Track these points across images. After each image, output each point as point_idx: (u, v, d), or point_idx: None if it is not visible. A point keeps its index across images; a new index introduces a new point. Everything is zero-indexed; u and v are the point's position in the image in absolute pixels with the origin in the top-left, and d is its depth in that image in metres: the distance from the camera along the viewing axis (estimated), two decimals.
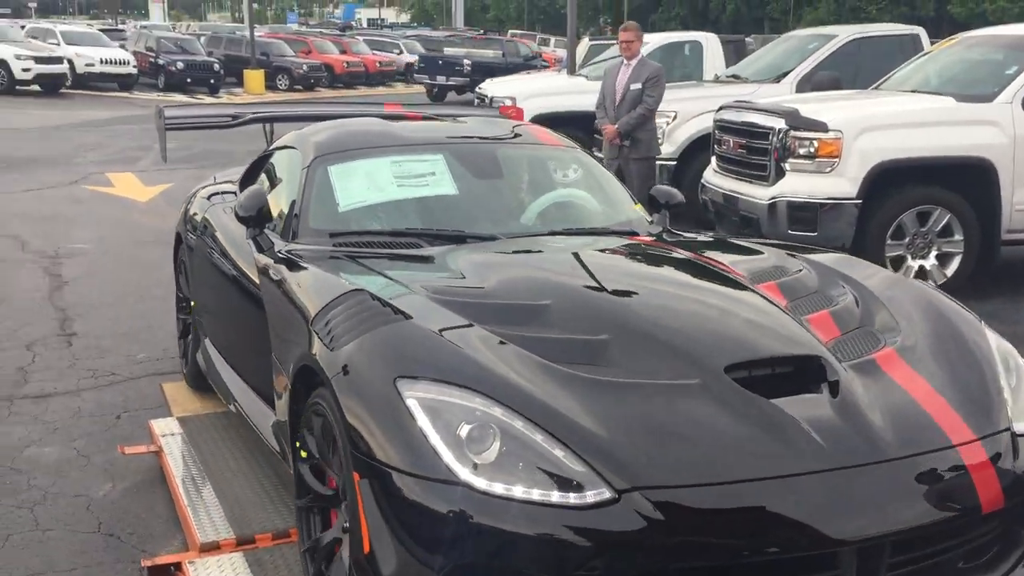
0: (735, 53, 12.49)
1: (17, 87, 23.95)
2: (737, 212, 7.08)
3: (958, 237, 6.55)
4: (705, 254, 3.48)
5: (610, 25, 42.42)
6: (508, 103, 11.41)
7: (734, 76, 10.16)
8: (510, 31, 53.41)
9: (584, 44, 15.31)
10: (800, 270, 3.30)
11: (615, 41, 11.37)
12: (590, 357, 2.55)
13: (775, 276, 3.24)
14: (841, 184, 6.42)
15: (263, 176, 4.44)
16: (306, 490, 2.77)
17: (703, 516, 2.21)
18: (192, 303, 4.65)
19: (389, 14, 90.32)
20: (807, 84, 9.20)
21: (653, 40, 12.17)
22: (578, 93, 11.18)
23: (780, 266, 3.35)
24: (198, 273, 4.49)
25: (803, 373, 2.58)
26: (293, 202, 3.79)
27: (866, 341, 2.82)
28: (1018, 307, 6.53)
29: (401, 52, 35.73)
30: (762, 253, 3.54)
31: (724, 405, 2.41)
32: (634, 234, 3.77)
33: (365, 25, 69.79)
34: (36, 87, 24.53)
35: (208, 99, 25.13)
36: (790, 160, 6.60)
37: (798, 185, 6.55)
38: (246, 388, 3.74)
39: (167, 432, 4.05)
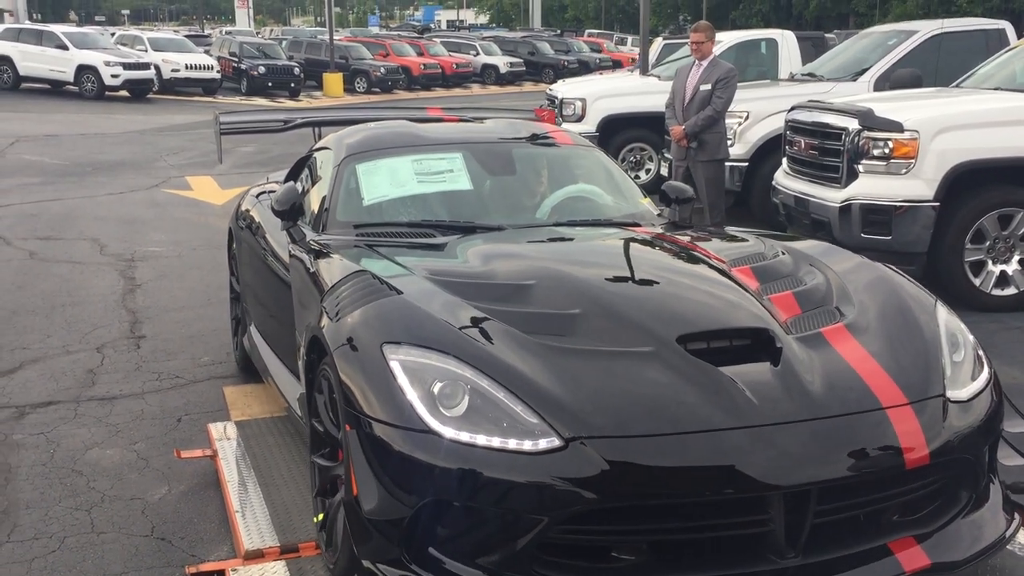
0: (814, 50, 12.16)
1: (106, 93, 24.76)
2: (808, 215, 6.87)
3: None
4: (694, 243, 3.79)
5: (689, 23, 41.89)
6: (579, 104, 11.36)
7: (810, 74, 9.88)
8: (587, 31, 53.24)
9: (658, 43, 15.11)
10: (777, 255, 3.57)
11: (688, 40, 11.21)
12: (560, 329, 2.87)
13: (752, 261, 3.51)
14: (917, 186, 6.17)
15: (303, 174, 4.82)
16: (319, 444, 3.13)
17: (641, 462, 2.49)
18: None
19: (468, 15, 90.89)
20: (886, 82, 8.89)
21: (727, 39, 11.95)
22: (649, 93, 11.05)
23: (759, 252, 3.62)
24: (244, 264, 4.93)
25: (755, 346, 2.85)
26: (324, 197, 4.16)
27: (822, 318, 3.08)
28: None
29: (478, 54, 35.88)
30: (747, 241, 3.82)
31: (671, 369, 2.70)
32: (637, 226, 4.03)
33: (444, 27, 70.33)
34: (124, 92, 25.33)
35: (288, 102, 25.60)
36: (863, 161, 6.37)
37: (872, 187, 6.32)
38: (279, 364, 4.11)
39: (223, 436, 4.10)
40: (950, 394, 2.82)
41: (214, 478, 3.89)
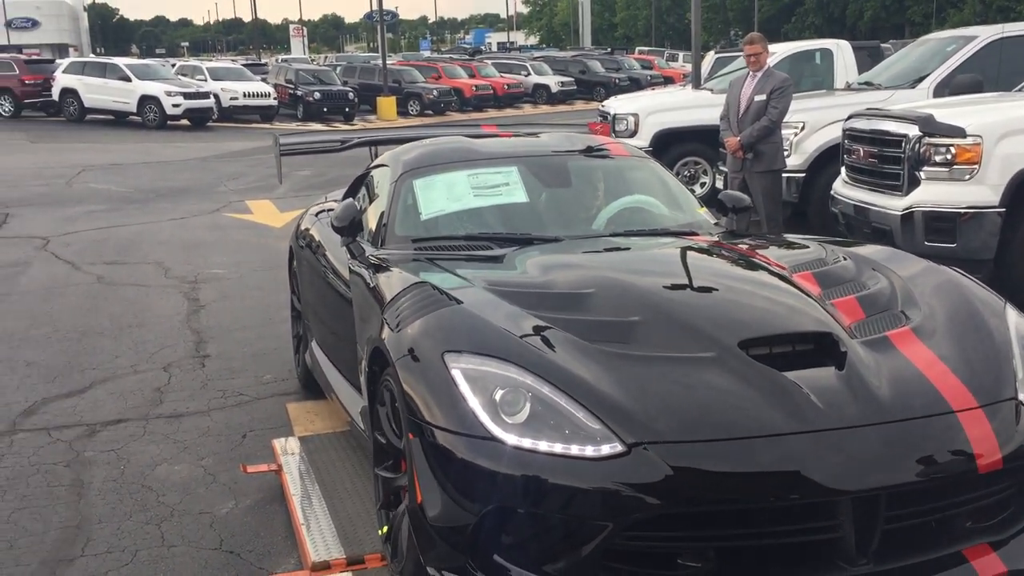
0: (870, 59, 12.02)
1: (168, 122, 25.36)
2: (869, 224, 6.77)
3: None
4: (753, 250, 3.77)
5: (740, 37, 41.65)
6: (632, 119, 11.35)
7: (867, 83, 9.76)
8: (638, 48, 53.21)
9: (710, 57, 15.05)
10: (838, 261, 3.53)
11: (740, 53, 11.16)
12: (620, 336, 2.86)
13: (813, 267, 3.47)
14: (982, 192, 6.05)
15: (361, 191, 4.87)
16: (382, 457, 3.17)
17: (705, 467, 2.47)
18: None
19: (518, 36, 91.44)
20: (945, 88, 8.74)
21: (780, 50, 11.87)
22: (702, 107, 11.01)
23: (820, 258, 3.59)
24: (305, 281, 5.00)
25: (819, 350, 2.81)
26: (382, 213, 4.22)
27: (887, 322, 3.04)
28: None
29: (529, 74, 36.06)
30: (808, 248, 3.79)
31: (734, 374, 2.67)
32: (694, 235, 4.04)
33: (495, 49, 70.86)
34: (185, 121, 25.93)
35: (343, 126, 25.97)
36: (925, 168, 6.27)
37: (935, 194, 6.22)
38: (341, 379, 4.15)
39: (288, 451, 4.15)
40: (1023, 397, 2.77)
41: (279, 492, 3.94)
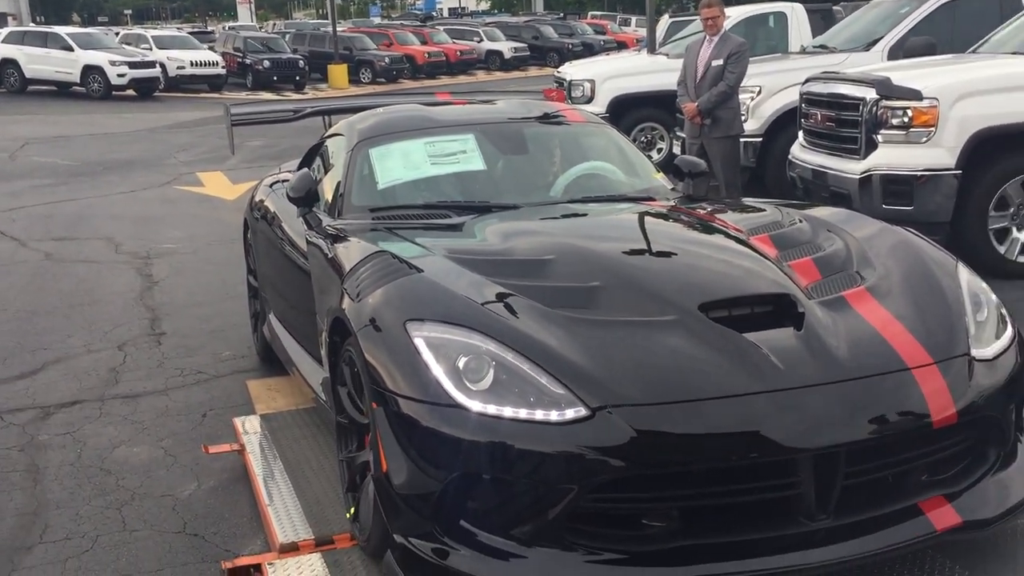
0: (823, 22, 12.03)
1: (113, 92, 24.76)
2: (827, 188, 6.79)
3: None
4: (710, 214, 3.79)
5: (693, 2, 41.60)
6: (588, 85, 11.27)
7: (821, 46, 9.76)
8: (590, 13, 52.93)
9: (664, 21, 14.98)
10: (794, 223, 3.54)
11: (695, 17, 11.10)
12: (582, 301, 2.86)
13: (769, 229, 3.48)
14: (938, 154, 6.09)
15: (316, 161, 4.83)
16: (342, 409, 3.18)
17: (668, 429, 2.49)
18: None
19: (470, 2, 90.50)
20: (899, 51, 8.76)
21: (734, 13, 11.81)
22: (658, 72, 10.95)
23: (776, 221, 3.60)
24: (261, 253, 4.95)
25: (777, 311, 2.84)
26: (339, 183, 4.18)
27: (843, 282, 3.07)
28: None
29: (481, 40, 35.72)
30: (764, 211, 3.80)
31: (695, 337, 2.69)
32: (652, 200, 4.05)
33: (446, 15, 70.04)
34: (131, 91, 25.33)
35: (293, 95, 25.56)
36: (882, 131, 6.29)
37: (892, 157, 6.24)
38: (302, 352, 4.11)
39: (250, 430, 4.07)
40: (975, 353, 2.81)
41: (243, 472, 3.87)
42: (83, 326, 6.04)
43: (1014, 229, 6.23)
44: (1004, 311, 3.10)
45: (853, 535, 2.52)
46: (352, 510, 3.08)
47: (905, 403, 2.63)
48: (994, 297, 3.12)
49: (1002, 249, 6.23)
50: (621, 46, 33.62)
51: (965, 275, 3.15)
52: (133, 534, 3.46)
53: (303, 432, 4.04)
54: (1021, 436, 2.96)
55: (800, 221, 3.57)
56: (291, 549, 3.05)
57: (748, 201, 4.33)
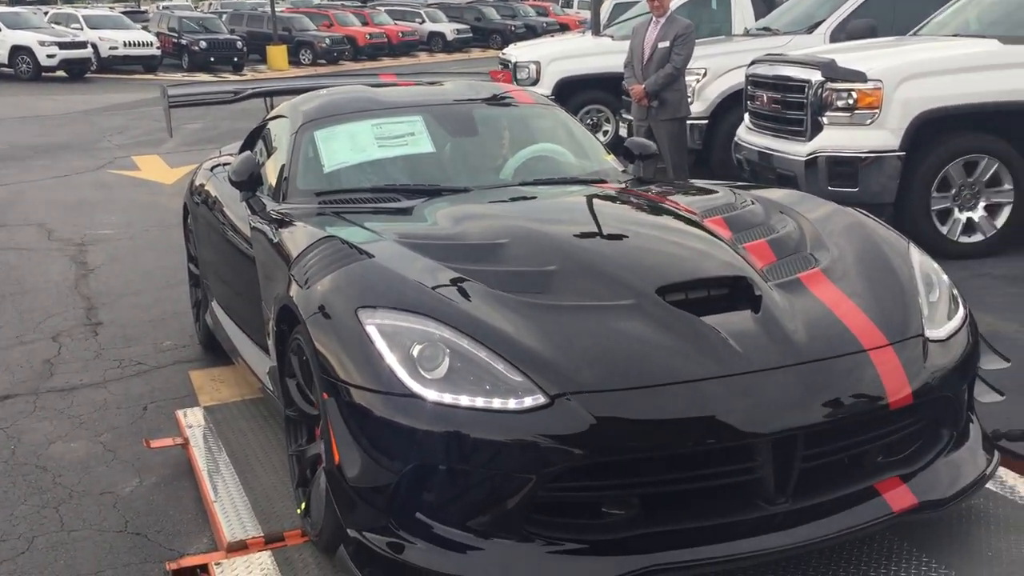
0: (764, 5, 12.08)
1: (43, 74, 24.02)
2: (773, 170, 6.83)
3: (1008, 186, 6.24)
4: (663, 196, 3.75)
5: None
6: (533, 67, 11.18)
7: (765, 29, 9.80)
8: None
9: (608, 3, 14.93)
10: (747, 205, 3.52)
11: None
12: (538, 286, 2.80)
13: (723, 211, 3.45)
14: (882, 136, 6.14)
15: (259, 144, 4.69)
16: (291, 402, 3.08)
17: (629, 416, 2.45)
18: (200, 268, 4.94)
19: None
20: (841, 33, 8.83)
21: None
22: (603, 54, 10.89)
23: (729, 203, 3.56)
24: (203, 239, 4.81)
25: (734, 294, 2.81)
26: (283, 166, 4.05)
27: (798, 264, 3.05)
28: None
29: (424, 21, 35.36)
30: (717, 192, 3.77)
31: (653, 321, 2.65)
32: (603, 182, 4.00)
33: None
34: (61, 73, 24.60)
35: (232, 77, 25.04)
36: (827, 113, 6.33)
37: (837, 139, 6.29)
38: (246, 340, 4.01)
39: (193, 423, 3.94)
40: (929, 333, 2.82)
41: (187, 467, 3.74)
42: (14, 316, 5.82)
43: (956, 210, 6.31)
44: (956, 291, 3.11)
45: (812, 518, 2.51)
46: (303, 505, 2.99)
47: (862, 385, 2.62)
48: (945, 278, 3.13)
49: (944, 229, 6.31)
50: (564, 28, 33.55)
51: (917, 256, 3.15)
52: (72, 534, 3.32)
53: (249, 424, 3.93)
54: (972, 416, 2.98)
55: (753, 203, 3.54)
56: (239, 548, 2.95)
57: (700, 183, 4.28)
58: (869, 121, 6.17)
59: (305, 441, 3.05)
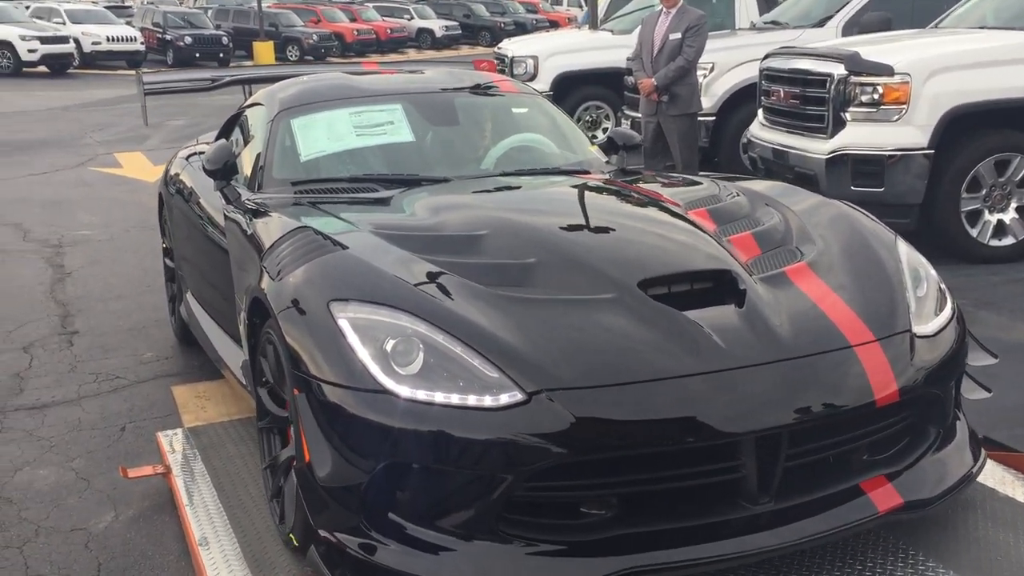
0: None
1: (24, 69, 23.54)
2: (790, 168, 6.47)
3: None
4: (646, 187, 3.68)
5: None
6: (531, 62, 10.82)
7: (773, 22, 9.47)
8: None
9: None
10: (732, 197, 3.43)
11: None
12: (517, 279, 2.71)
13: (707, 203, 3.37)
14: (910, 133, 5.80)
15: (235, 132, 4.58)
16: (264, 412, 2.96)
17: (609, 414, 2.36)
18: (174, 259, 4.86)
19: None
20: (854, 27, 8.50)
21: None
22: (604, 49, 10.57)
23: (714, 194, 3.48)
24: (177, 229, 4.69)
25: (718, 288, 2.73)
26: (259, 155, 3.96)
27: (783, 257, 2.97)
28: None
29: (412, 18, 34.96)
30: (701, 184, 3.70)
31: (634, 316, 2.56)
32: (586, 173, 3.92)
33: None
34: (43, 68, 24.11)
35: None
36: (851, 109, 5.98)
37: (861, 136, 5.94)
38: (220, 332, 3.91)
39: (176, 448, 3.55)
40: (916, 329, 2.75)
41: (168, 497, 3.36)
42: None
43: (986, 211, 5.98)
44: (943, 286, 3.01)
45: (796, 518, 2.45)
46: (290, 536, 2.71)
47: (848, 381, 2.55)
48: (933, 272, 3.03)
49: (974, 232, 5.98)
50: (554, 25, 33.21)
51: (904, 249, 3.06)
52: None
53: (238, 449, 3.53)
54: (960, 414, 2.93)
55: (738, 195, 3.45)
56: None
57: (684, 175, 4.19)
58: (896, 117, 5.82)
59: (279, 447, 2.91)
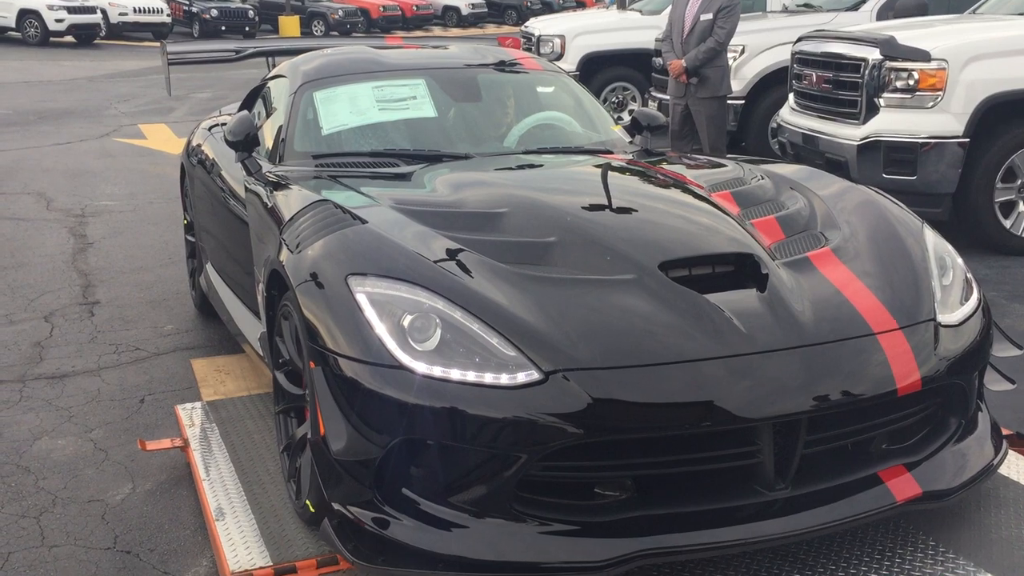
0: None
1: (51, 39, 23.57)
2: (821, 154, 6.36)
3: None
4: (670, 169, 3.63)
5: None
6: (558, 41, 10.72)
7: (805, 5, 9.32)
8: None
9: None
10: (757, 180, 3.38)
11: None
12: (536, 257, 2.69)
13: (731, 186, 3.33)
14: (945, 121, 5.67)
15: (257, 104, 4.56)
16: (282, 395, 2.95)
17: (626, 396, 2.34)
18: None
19: None
20: (889, 11, 8.35)
21: None
22: (632, 29, 10.49)
23: (738, 177, 3.43)
24: (198, 200, 4.67)
25: (740, 271, 2.70)
26: (280, 127, 3.94)
27: (807, 242, 2.94)
28: None
29: None
30: (726, 166, 3.63)
31: (654, 297, 2.54)
32: (609, 153, 3.89)
33: None
34: (70, 38, 24.14)
35: None
36: (885, 95, 5.86)
37: (894, 123, 5.82)
38: (239, 304, 3.91)
39: (195, 422, 3.52)
40: (941, 318, 2.71)
41: (186, 471, 3.34)
42: (5, 292, 5.41)
43: (1021, 202, 5.87)
44: (970, 275, 2.95)
45: (812, 505, 2.41)
46: (296, 495, 2.76)
47: (869, 369, 2.51)
48: (960, 261, 2.98)
49: (1007, 223, 5.87)
50: (580, 5, 32.93)
51: (931, 237, 3.01)
52: (53, 550, 2.91)
53: (256, 425, 3.50)
54: (982, 405, 2.88)
55: (763, 178, 3.40)
56: None
57: (709, 156, 4.09)
58: (931, 104, 5.70)
59: (296, 426, 2.89)
